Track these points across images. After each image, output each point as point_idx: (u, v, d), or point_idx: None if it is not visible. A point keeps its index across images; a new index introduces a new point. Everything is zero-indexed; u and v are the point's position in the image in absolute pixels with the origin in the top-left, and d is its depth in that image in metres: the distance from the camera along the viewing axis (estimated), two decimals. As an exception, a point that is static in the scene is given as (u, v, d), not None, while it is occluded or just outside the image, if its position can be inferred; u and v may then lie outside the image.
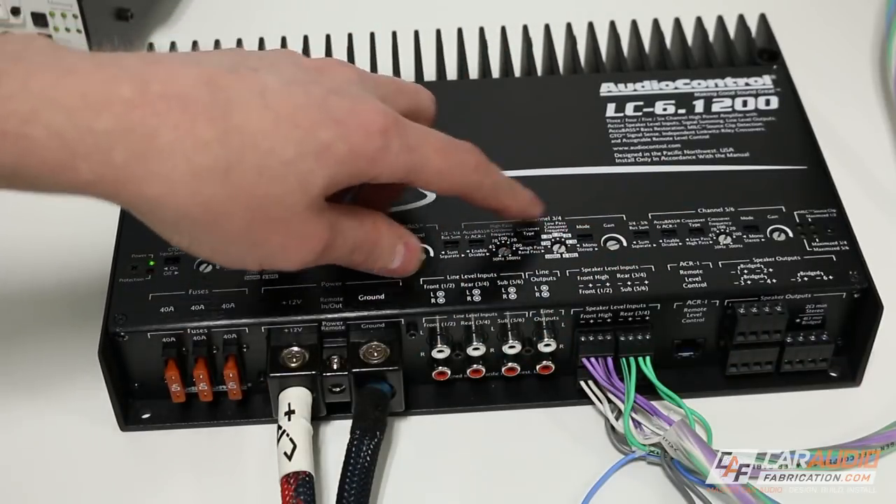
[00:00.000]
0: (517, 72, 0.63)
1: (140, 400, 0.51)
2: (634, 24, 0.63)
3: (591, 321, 0.49)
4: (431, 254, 0.50)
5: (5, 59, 0.38)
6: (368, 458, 0.46)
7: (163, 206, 0.39)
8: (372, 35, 0.63)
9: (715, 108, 0.57)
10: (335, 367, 0.48)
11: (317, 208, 0.42)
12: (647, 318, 0.49)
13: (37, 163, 0.38)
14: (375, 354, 0.48)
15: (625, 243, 0.51)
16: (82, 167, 0.38)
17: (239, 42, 0.62)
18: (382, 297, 0.49)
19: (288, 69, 0.44)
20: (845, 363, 0.52)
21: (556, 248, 0.51)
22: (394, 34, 0.64)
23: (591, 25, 0.63)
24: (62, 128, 0.37)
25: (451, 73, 0.62)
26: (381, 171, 0.43)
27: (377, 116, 0.43)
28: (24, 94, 0.37)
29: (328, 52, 0.63)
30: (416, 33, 0.64)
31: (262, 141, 0.40)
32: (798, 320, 0.50)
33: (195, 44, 0.61)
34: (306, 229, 0.42)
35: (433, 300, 0.49)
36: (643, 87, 0.59)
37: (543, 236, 0.51)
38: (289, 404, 0.47)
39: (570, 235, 0.51)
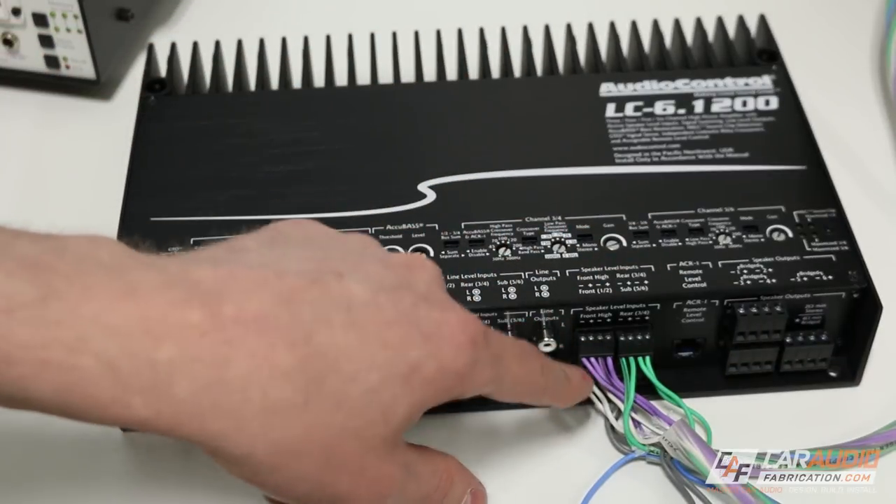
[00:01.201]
0: (517, 72, 0.63)
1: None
2: (634, 24, 0.63)
3: (591, 321, 0.49)
4: (431, 253, 0.51)
5: (61, 276, 0.33)
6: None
7: (226, 442, 0.35)
8: (372, 35, 0.63)
9: (714, 108, 0.57)
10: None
11: (392, 444, 0.38)
12: (647, 318, 0.49)
13: (83, 397, 0.33)
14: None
15: (625, 243, 0.51)
16: (136, 402, 0.33)
17: (239, 44, 0.62)
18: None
19: (373, 269, 0.39)
20: (845, 363, 0.52)
21: (556, 248, 0.51)
22: (394, 34, 0.64)
23: (590, 26, 0.63)
24: (114, 358, 0.33)
25: (451, 73, 0.62)
26: (466, 388, 0.39)
27: (466, 326, 0.39)
28: (74, 319, 0.32)
29: (328, 52, 0.63)
30: (416, 33, 0.64)
31: (346, 364, 0.36)
32: (797, 320, 0.50)
33: (196, 45, 0.61)
34: (380, 470, 0.38)
35: (433, 300, 0.49)
36: (643, 87, 0.59)
37: (543, 236, 0.51)
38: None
39: (570, 235, 0.51)
